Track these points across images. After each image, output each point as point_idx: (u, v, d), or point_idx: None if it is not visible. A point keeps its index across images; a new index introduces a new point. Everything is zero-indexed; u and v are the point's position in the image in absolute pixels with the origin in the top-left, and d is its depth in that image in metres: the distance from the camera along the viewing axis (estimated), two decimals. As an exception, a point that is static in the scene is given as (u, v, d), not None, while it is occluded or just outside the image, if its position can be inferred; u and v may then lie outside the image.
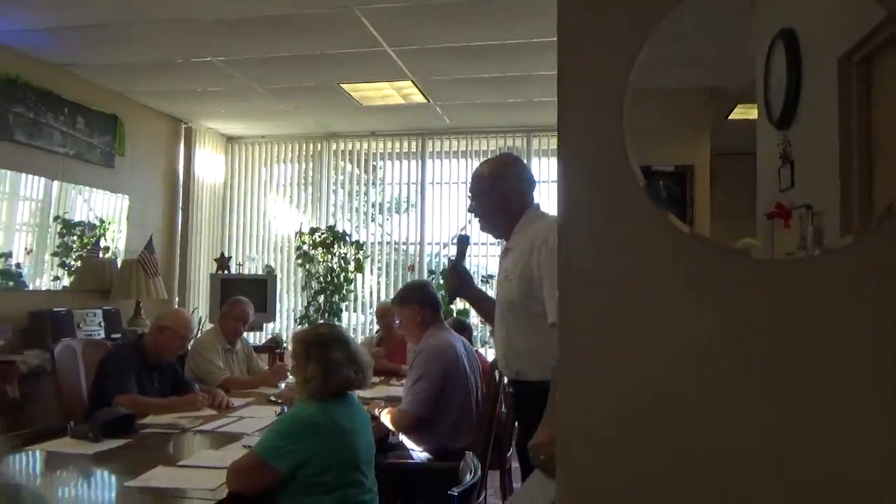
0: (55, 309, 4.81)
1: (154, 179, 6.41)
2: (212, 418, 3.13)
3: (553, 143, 6.66)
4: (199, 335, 4.70)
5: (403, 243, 7.13)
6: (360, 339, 6.15)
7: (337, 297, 6.60)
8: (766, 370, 1.03)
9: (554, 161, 7.14)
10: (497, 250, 5.91)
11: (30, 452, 2.44)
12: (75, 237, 5.35)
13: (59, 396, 3.35)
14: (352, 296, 6.83)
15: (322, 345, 2.27)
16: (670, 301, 1.08)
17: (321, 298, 6.57)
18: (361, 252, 6.75)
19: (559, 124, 1.14)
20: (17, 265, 4.83)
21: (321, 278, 6.62)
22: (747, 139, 1.19)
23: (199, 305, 6.74)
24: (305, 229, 6.80)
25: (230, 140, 7.37)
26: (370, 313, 6.83)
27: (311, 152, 7.30)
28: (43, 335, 4.59)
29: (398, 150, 7.12)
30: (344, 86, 5.52)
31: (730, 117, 1.29)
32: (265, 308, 6.17)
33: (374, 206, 7.37)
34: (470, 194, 2.47)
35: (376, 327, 5.49)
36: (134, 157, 5.99)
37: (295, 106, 6.10)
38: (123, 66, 5.12)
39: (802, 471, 1.02)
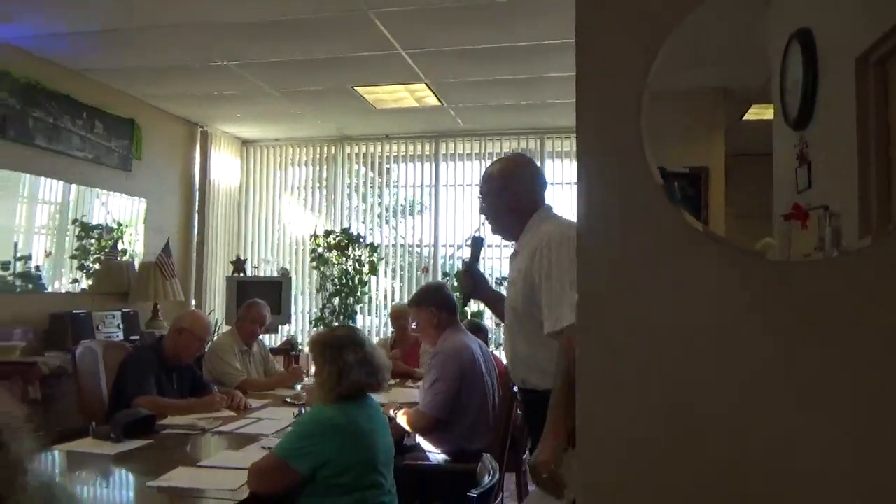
0: (75, 311, 4.87)
1: (170, 183, 6.48)
2: (230, 420, 3.15)
3: (566, 144, 6.66)
4: (216, 337, 4.74)
5: (417, 245, 7.15)
6: (374, 341, 6.16)
7: (351, 299, 6.63)
8: (783, 372, 1.04)
9: (567, 163, 7.14)
10: (511, 251, 5.90)
11: (52, 453, 2.48)
12: (93, 240, 5.42)
13: (80, 397, 3.39)
14: (366, 298, 6.85)
15: (337, 347, 2.28)
16: (690, 302, 1.08)
17: (336, 301, 6.60)
18: (375, 254, 6.78)
19: (578, 125, 1.15)
20: (37, 268, 4.89)
21: (336, 280, 6.65)
22: (762, 140, 1.19)
23: (216, 308, 6.79)
24: (320, 232, 6.84)
25: (245, 143, 7.42)
26: (384, 315, 6.85)
27: (325, 155, 7.34)
28: (63, 337, 4.64)
29: (412, 153, 7.15)
30: (358, 89, 5.55)
31: (744, 118, 1.28)
32: (280, 310, 6.21)
33: (387, 208, 7.40)
34: (480, 195, 2.42)
35: (390, 329, 5.50)
36: (150, 160, 6.05)
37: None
38: (140, 71, 5.18)
39: (815, 467, 1.02)
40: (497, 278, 6.29)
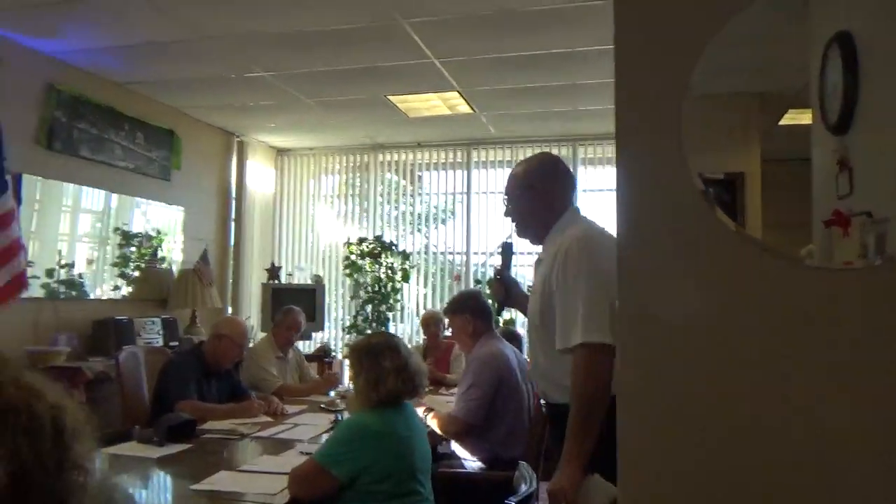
0: (117, 317, 4.99)
1: (207, 191, 6.60)
2: (268, 425, 3.20)
3: (599, 151, 6.62)
4: (252, 343, 4.81)
5: (449, 253, 7.17)
6: (407, 347, 6.16)
7: (384, 306, 6.67)
8: (824, 381, 1.03)
9: (600, 170, 7.06)
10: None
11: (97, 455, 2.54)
12: (133, 248, 5.55)
13: (123, 402, 3.47)
14: (398, 305, 6.89)
15: (373, 353, 2.29)
16: (732, 308, 1.07)
17: (369, 308, 6.65)
18: (408, 262, 6.81)
19: (617, 132, 1.14)
20: (80, 275, 5.02)
21: (368, 288, 6.70)
22: (799, 145, 1.18)
23: (252, 314, 6.89)
24: (353, 239, 6.90)
25: (280, 152, 7.53)
26: (416, 323, 6.87)
27: (357, 164, 7.42)
28: (106, 342, 4.76)
29: (444, 161, 7.18)
30: (391, 98, 5.61)
31: (780, 123, 1.27)
32: (314, 317, 6.26)
33: (419, 216, 7.44)
34: (505, 196, 2.28)
35: (422, 336, 5.53)
36: (189, 169, 6.18)
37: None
38: (180, 82, 5.30)
39: (848, 475, 1.00)
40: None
